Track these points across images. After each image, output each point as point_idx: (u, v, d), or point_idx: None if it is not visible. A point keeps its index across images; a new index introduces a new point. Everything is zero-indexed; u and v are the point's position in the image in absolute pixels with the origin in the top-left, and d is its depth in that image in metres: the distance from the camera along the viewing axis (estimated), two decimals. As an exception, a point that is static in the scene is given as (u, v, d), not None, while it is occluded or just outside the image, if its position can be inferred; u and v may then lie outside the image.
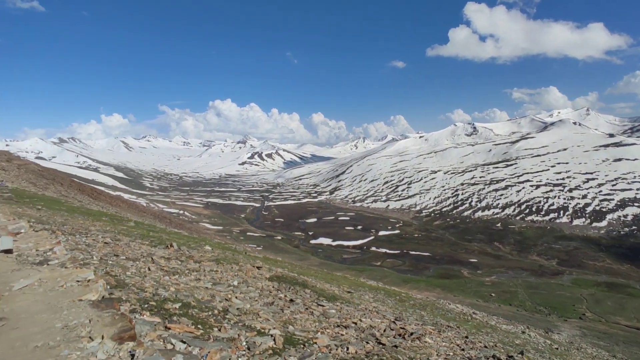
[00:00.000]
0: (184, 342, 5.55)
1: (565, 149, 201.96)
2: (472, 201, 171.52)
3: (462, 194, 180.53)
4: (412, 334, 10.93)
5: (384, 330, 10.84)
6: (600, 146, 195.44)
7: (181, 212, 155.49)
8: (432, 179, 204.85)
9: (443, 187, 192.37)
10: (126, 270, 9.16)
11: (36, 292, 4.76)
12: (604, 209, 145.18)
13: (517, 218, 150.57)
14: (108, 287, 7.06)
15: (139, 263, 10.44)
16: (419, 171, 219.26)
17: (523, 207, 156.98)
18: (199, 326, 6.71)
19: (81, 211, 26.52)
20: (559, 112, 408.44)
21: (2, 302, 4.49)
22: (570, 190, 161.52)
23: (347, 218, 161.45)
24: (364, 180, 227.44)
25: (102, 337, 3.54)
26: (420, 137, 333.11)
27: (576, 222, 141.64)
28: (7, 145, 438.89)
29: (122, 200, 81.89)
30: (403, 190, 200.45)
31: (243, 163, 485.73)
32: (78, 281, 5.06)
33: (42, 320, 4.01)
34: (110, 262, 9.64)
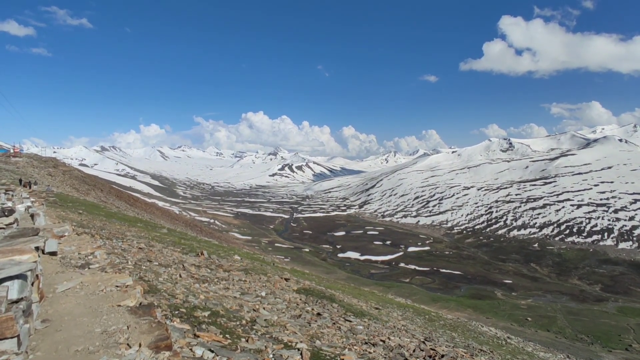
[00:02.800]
0: (212, 351, 5.60)
1: (610, 167, 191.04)
2: (507, 219, 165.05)
3: (497, 211, 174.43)
4: (443, 356, 10.51)
5: (413, 351, 10.49)
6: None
7: (212, 221, 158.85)
8: (465, 195, 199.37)
9: (476, 203, 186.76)
10: (159, 276, 9.32)
11: (78, 295, 4.96)
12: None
13: (556, 239, 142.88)
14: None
15: (171, 270, 10.57)
16: (451, 187, 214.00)
17: (563, 227, 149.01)
18: (227, 335, 6.77)
19: (118, 217, 27.27)
20: (603, 129, 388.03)
21: (46, 303, 4.71)
22: (616, 212, 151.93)
23: (376, 232, 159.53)
24: (394, 194, 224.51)
25: (140, 345, 3.63)
26: (453, 152, 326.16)
27: (622, 245, 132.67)
28: (54, 152, 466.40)
29: (157, 208, 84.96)
30: (434, 206, 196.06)
31: (273, 174, 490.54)
32: (117, 286, 5.23)
33: (83, 323, 4.17)
34: (144, 267, 9.82)
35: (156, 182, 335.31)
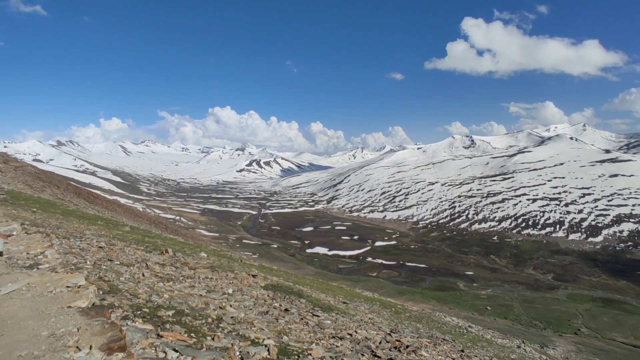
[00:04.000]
0: (176, 351, 5.41)
1: (562, 164, 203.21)
2: (469, 213, 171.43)
3: (459, 206, 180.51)
4: (407, 346, 10.76)
5: (380, 343, 10.67)
6: (597, 161, 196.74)
7: (177, 218, 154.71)
8: (430, 190, 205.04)
9: (440, 198, 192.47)
10: (120, 275, 9.05)
11: (24, 297, 4.60)
12: (600, 224, 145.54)
13: (514, 231, 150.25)
14: (100, 292, 6.96)
15: (133, 268, 10.32)
16: (417, 182, 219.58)
17: (520, 220, 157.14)
18: (192, 334, 6.57)
19: (77, 215, 26.28)
20: (556, 127, 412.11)
21: (-12, 307, 4.35)
22: (567, 205, 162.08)
23: (344, 228, 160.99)
24: (362, 190, 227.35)
25: (90, 347, 3.41)
26: (419, 148, 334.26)
27: (572, 236, 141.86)
28: (5, 147, 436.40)
29: (119, 205, 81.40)
30: (400, 201, 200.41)
31: (241, 170, 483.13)
32: (68, 287, 4.90)
33: (29, 327, 3.87)
34: (104, 266, 9.51)
35: (118, 179, 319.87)
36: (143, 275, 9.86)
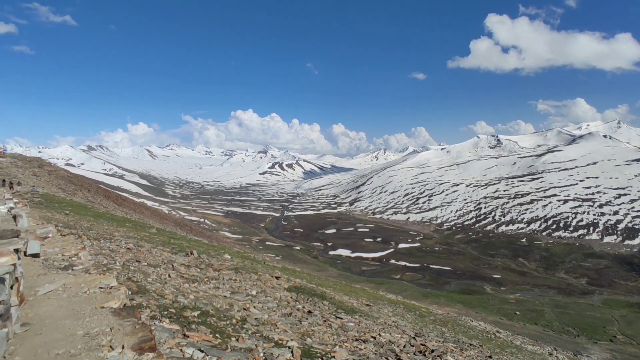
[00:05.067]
0: (202, 351, 5.53)
1: (595, 163, 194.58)
2: (495, 215, 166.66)
3: (485, 207, 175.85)
4: (433, 351, 10.58)
5: (404, 347, 10.53)
6: (633, 160, 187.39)
7: (202, 220, 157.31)
8: (454, 191, 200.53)
9: (465, 200, 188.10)
10: (147, 276, 9.19)
11: (60, 298, 4.82)
12: (637, 226, 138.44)
13: (544, 234, 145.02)
14: (130, 292, 7.15)
15: (160, 270, 10.48)
16: (441, 183, 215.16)
17: (550, 222, 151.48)
18: (217, 335, 6.69)
19: (106, 217, 26.92)
20: (588, 125, 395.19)
21: (27, 306, 4.57)
22: (601, 206, 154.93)
23: (367, 230, 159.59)
24: (384, 192, 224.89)
25: (123, 347, 3.54)
26: (442, 149, 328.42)
27: (607, 239, 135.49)
28: (39, 152, 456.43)
29: (145, 207, 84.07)
30: (424, 202, 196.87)
31: (263, 173, 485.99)
32: (101, 287, 5.10)
33: (65, 326, 4.05)
34: (133, 267, 9.71)
35: (144, 182, 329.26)
36: (169, 276, 9.98)
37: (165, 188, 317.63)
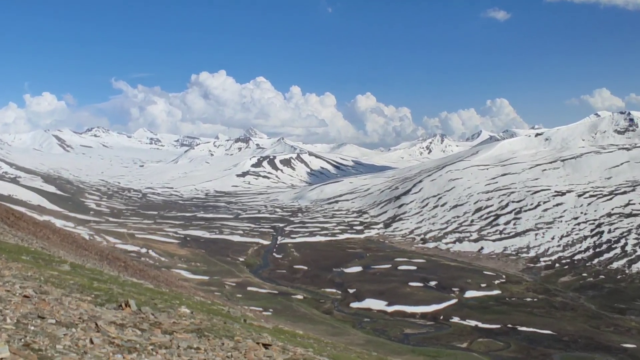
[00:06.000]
0: None
1: None
2: (627, 245, 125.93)
3: (610, 231, 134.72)
4: None
5: None
6: None
7: (144, 250, 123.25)
8: (558, 204, 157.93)
9: (576, 219, 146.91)
10: (56, 341, 7.47)
11: None
12: None
13: None
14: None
15: (76, 331, 8.40)
16: (535, 192, 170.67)
17: None
18: None
19: (-16, 247, 23.68)
20: None
21: None
22: None
23: (413, 268, 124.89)
24: (442, 205, 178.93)
25: None
26: (537, 134, 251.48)
27: None
28: None
29: (53, 230, 64.59)
30: (507, 222, 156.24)
31: (244, 174, 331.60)
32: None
33: None
34: (33, 327, 7.91)
35: (52, 188, 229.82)
36: (91, 342, 8.00)
37: (86, 199, 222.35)
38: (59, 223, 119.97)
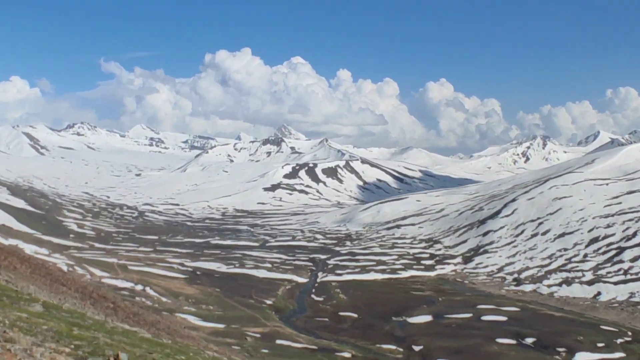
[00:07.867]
0: None
1: None
2: None
3: None
4: None
5: None
6: None
7: (139, 287, 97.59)
8: None
9: None
10: None
11: None
12: None
13: None
14: None
15: None
16: None
17: None
18: None
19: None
20: None
21: None
22: None
23: (502, 318, 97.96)
24: (543, 233, 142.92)
25: None
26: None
27: None
28: None
29: (21, 258, 56.79)
30: (635, 259, 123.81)
31: (274, 187, 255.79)
32: None
33: None
34: None
35: (21, 203, 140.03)
36: None
37: (65, 217, 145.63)
38: (29, 249, 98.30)
